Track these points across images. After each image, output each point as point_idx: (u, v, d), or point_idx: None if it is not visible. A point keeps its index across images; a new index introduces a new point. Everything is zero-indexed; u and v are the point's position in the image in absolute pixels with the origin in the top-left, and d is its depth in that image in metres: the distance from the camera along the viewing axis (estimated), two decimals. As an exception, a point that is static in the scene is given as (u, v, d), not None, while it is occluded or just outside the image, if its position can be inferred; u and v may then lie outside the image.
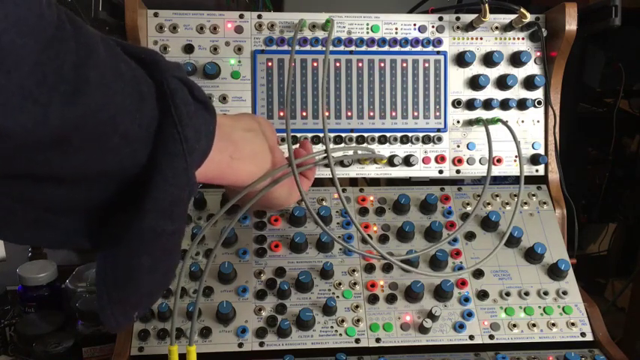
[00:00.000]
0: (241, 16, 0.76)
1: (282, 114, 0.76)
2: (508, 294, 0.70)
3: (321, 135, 0.76)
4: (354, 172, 0.77)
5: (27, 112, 0.31)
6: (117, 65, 0.39)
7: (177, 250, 0.47)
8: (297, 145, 0.71)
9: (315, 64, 0.76)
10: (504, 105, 0.78)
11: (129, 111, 0.39)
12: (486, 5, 0.73)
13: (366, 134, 0.77)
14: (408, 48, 0.77)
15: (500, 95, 0.79)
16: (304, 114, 0.76)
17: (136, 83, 0.40)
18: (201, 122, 0.44)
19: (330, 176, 0.75)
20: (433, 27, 0.78)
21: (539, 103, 0.78)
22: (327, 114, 0.76)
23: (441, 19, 0.78)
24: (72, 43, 0.34)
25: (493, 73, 0.78)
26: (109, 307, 0.43)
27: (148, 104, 0.41)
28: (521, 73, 0.79)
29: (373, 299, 0.68)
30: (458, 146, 0.78)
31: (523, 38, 0.79)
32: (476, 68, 0.78)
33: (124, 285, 0.43)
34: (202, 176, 0.48)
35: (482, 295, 0.69)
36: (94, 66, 0.36)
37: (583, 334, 0.68)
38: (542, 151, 0.79)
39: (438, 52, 0.78)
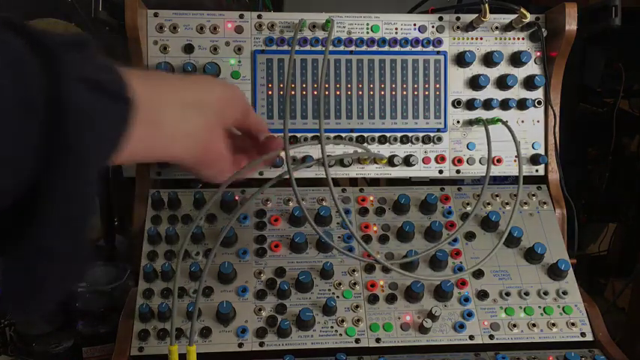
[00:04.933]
0: (241, 16, 0.76)
1: (282, 114, 0.76)
2: (508, 294, 0.70)
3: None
4: (354, 172, 0.77)
5: None
6: None
7: (78, 262, 0.42)
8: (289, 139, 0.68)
9: (315, 64, 0.76)
10: (504, 105, 0.78)
11: (7, 133, 0.33)
12: (486, 5, 0.73)
13: (366, 134, 0.77)
14: (408, 48, 0.77)
15: (500, 95, 0.78)
16: (304, 114, 0.76)
17: (19, 99, 0.33)
18: (105, 124, 0.39)
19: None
20: (433, 27, 0.78)
21: (539, 103, 0.78)
22: (325, 119, 0.76)
23: (441, 19, 0.78)
24: None
25: (493, 73, 0.78)
26: (18, 310, 0.41)
27: (33, 119, 0.34)
28: (521, 73, 0.79)
29: (373, 299, 0.68)
30: (458, 146, 0.78)
31: (523, 38, 0.79)
32: (476, 68, 0.78)
33: (25, 295, 0.40)
34: (125, 159, 0.45)
35: (482, 295, 0.69)
36: None
37: (583, 334, 0.68)
38: (542, 151, 0.79)
39: (438, 52, 0.78)
